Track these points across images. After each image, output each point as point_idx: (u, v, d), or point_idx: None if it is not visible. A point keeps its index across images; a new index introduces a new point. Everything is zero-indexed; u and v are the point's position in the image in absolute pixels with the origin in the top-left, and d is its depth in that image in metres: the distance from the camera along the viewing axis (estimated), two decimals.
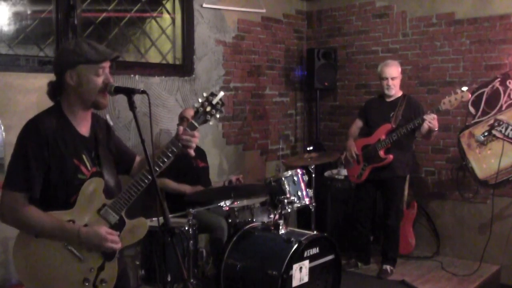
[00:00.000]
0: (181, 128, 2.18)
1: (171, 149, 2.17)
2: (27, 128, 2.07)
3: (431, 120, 4.20)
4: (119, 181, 2.31)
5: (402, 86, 4.63)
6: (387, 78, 4.51)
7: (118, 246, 2.12)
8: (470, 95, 4.23)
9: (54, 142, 2.05)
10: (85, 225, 2.10)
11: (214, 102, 2.17)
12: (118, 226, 2.17)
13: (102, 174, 2.18)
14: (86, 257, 2.10)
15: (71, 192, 2.09)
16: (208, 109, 2.18)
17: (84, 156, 2.13)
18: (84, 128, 2.18)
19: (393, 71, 4.51)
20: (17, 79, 3.60)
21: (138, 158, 2.45)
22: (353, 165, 4.70)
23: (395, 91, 4.54)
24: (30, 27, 3.83)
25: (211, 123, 2.23)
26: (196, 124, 2.19)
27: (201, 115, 2.19)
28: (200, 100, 2.20)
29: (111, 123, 4.11)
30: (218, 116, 2.21)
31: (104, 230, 2.09)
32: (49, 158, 2.04)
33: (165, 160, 2.18)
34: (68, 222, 2.07)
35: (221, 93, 2.20)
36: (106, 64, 2.15)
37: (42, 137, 2.03)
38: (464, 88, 4.21)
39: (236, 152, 5.38)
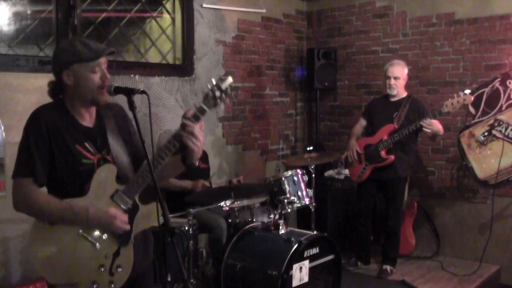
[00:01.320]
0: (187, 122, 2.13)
1: (173, 142, 2.15)
2: (29, 119, 2.13)
3: (427, 125, 4.21)
4: (131, 167, 2.29)
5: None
6: (389, 78, 4.51)
7: (127, 227, 2.13)
8: (472, 99, 4.23)
9: (55, 130, 2.10)
10: None
11: (223, 87, 2.14)
12: (132, 211, 2.18)
13: (112, 161, 2.19)
14: (101, 243, 2.11)
15: (81, 178, 2.12)
16: (218, 94, 2.14)
17: (87, 144, 2.16)
18: (87, 120, 2.21)
19: (396, 71, 4.50)
20: (17, 79, 3.59)
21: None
22: (354, 164, 4.70)
23: (397, 91, 4.53)
24: (30, 27, 3.83)
25: (221, 107, 2.21)
26: (205, 108, 2.14)
27: (211, 99, 2.14)
28: (209, 86, 2.16)
29: None
30: (227, 101, 2.17)
31: (113, 210, 2.11)
32: (51, 148, 2.09)
33: (167, 152, 2.15)
34: (78, 206, 2.08)
35: (230, 78, 2.18)
36: (102, 61, 2.16)
37: (42, 126, 2.08)
38: (467, 91, 4.21)
39: (236, 152, 5.38)
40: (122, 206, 2.15)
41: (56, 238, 2.08)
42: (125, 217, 2.14)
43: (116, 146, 2.24)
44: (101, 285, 2.10)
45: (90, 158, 2.14)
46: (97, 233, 2.12)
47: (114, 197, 2.15)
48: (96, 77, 2.14)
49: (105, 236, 2.13)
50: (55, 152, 2.09)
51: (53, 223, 2.08)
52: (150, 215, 2.22)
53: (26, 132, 2.11)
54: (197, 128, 2.13)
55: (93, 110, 2.25)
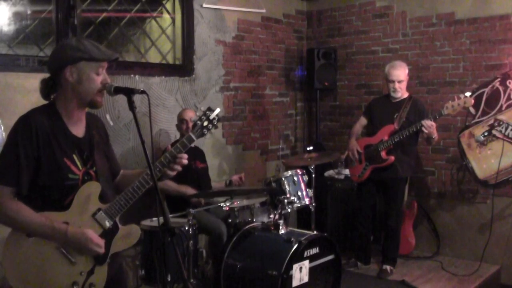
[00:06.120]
0: (169, 147, 2.25)
1: (159, 168, 2.22)
2: (18, 124, 2.06)
3: (428, 127, 4.20)
4: (112, 185, 2.33)
5: None
6: (393, 81, 4.48)
7: (101, 250, 2.12)
8: (473, 101, 4.22)
9: (45, 140, 2.04)
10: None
11: (211, 117, 2.27)
12: (111, 231, 2.19)
13: (95, 176, 2.17)
14: (77, 260, 2.10)
15: (64, 193, 2.09)
16: (205, 123, 2.27)
17: (74, 156, 2.12)
18: (77, 128, 2.17)
19: (400, 74, 4.47)
20: (17, 79, 3.60)
21: (122, 172, 2.46)
22: (354, 164, 4.70)
23: (401, 93, 4.53)
24: (30, 27, 3.83)
25: (207, 136, 2.32)
26: (194, 137, 2.26)
27: (199, 129, 2.26)
28: (197, 114, 2.27)
29: (111, 123, 4.12)
30: (213, 131, 2.30)
31: (90, 232, 2.09)
32: (39, 156, 2.03)
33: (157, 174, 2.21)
34: (58, 222, 2.05)
35: (218, 109, 2.30)
36: (105, 65, 2.15)
37: (33, 135, 2.02)
38: (468, 94, 4.20)
39: (236, 152, 5.38)
40: (102, 225, 2.15)
41: (32, 249, 2.04)
42: (100, 241, 2.12)
43: (100, 161, 2.23)
44: None
45: (76, 173, 2.11)
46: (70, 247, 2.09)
47: (96, 216, 2.15)
48: (99, 80, 2.12)
49: (79, 252, 2.10)
50: (42, 162, 2.03)
51: (30, 235, 2.04)
52: (129, 236, 2.25)
53: (15, 137, 2.03)
54: (185, 159, 2.24)
55: (84, 117, 2.21)
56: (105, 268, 2.17)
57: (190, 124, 4.21)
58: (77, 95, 2.12)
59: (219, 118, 2.31)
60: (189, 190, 4.09)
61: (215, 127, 2.30)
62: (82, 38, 2.15)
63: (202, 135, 2.29)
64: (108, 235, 2.17)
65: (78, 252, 2.09)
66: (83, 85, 2.10)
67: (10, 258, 2.03)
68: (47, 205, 2.06)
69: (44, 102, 2.21)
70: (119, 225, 2.22)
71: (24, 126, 2.04)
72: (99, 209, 2.15)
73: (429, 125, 4.21)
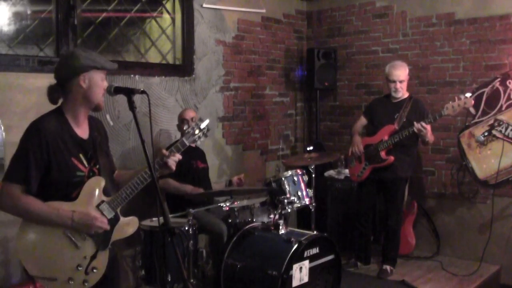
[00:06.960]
0: (165, 151, 2.48)
1: (156, 168, 2.43)
2: (29, 130, 2.27)
3: (418, 130, 4.21)
4: (112, 180, 2.56)
5: None
6: (395, 81, 4.47)
7: (106, 226, 2.35)
8: (473, 102, 4.22)
9: (54, 143, 2.25)
10: None
11: (201, 126, 2.57)
12: (113, 221, 2.41)
13: (98, 173, 2.39)
14: (82, 245, 2.32)
15: (72, 187, 2.31)
16: (197, 132, 2.56)
17: (81, 155, 2.35)
18: (82, 130, 2.39)
19: (401, 74, 4.46)
20: (17, 79, 3.60)
21: (117, 172, 2.67)
22: (354, 163, 4.70)
23: (402, 93, 4.53)
24: (30, 27, 3.83)
25: (198, 143, 2.60)
26: (186, 142, 2.53)
27: (190, 136, 2.55)
28: (190, 123, 2.48)
29: (111, 123, 4.13)
30: (203, 139, 2.60)
31: (94, 212, 2.33)
32: (49, 158, 2.24)
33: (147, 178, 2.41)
34: (64, 209, 2.27)
35: (207, 120, 2.60)
36: (106, 72, 2.39)
37: (42, 139, 2.22)
38: (468, 95, 4.21)
39: (236, 152, 5.38)
40: (105, 215, 2.38)
41: (43, 234, 2.28)
42: (104, 219, 2.35)
43: (103, 159, 2.46)
44: (76, 282, 2.30)
45: (83, 170, 2.34)
46: (80, 234, 2.31)
47: (100, 207, 2.36)
48: (103, 85, 2.35)
49: (87, 239, 2.32)
50: (52, 165, 2.25)
51: (40, 224, 2.26)
52: (126, 227, 2.48)
53: (26, 142, 2.24)
54: (177, 158, 2.51)
55: (87, 120, 2.43)
56: (106, 254, 2.39)
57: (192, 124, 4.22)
58: (87, 99, 2.33)
59: (209, 129, 2.60)
60: (190, 188, 4.09)
61: (205, 135, 2.60)
62: (84, 49, 2.41)
63: (194, 141, 2.58)
64: (110, 224, 2.39)
65: (84, 236, 2.31)
66: (93, 90, 2.32)
67: (23, 245, 2.27)
68: (57, 197, 2.29)
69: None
70: (120, 216, 2.44)
71: (34, 132, 2.25)
72: (102, 201, 2.37)
73: (418, 128, 4.21)
